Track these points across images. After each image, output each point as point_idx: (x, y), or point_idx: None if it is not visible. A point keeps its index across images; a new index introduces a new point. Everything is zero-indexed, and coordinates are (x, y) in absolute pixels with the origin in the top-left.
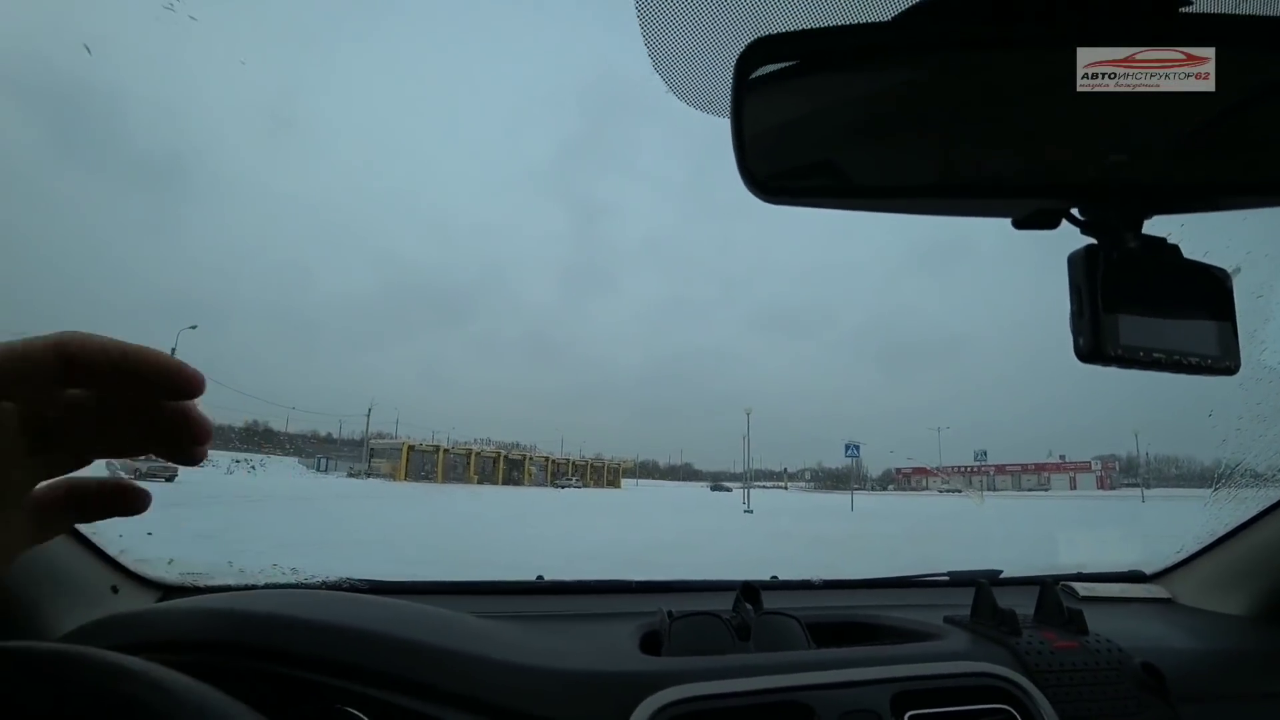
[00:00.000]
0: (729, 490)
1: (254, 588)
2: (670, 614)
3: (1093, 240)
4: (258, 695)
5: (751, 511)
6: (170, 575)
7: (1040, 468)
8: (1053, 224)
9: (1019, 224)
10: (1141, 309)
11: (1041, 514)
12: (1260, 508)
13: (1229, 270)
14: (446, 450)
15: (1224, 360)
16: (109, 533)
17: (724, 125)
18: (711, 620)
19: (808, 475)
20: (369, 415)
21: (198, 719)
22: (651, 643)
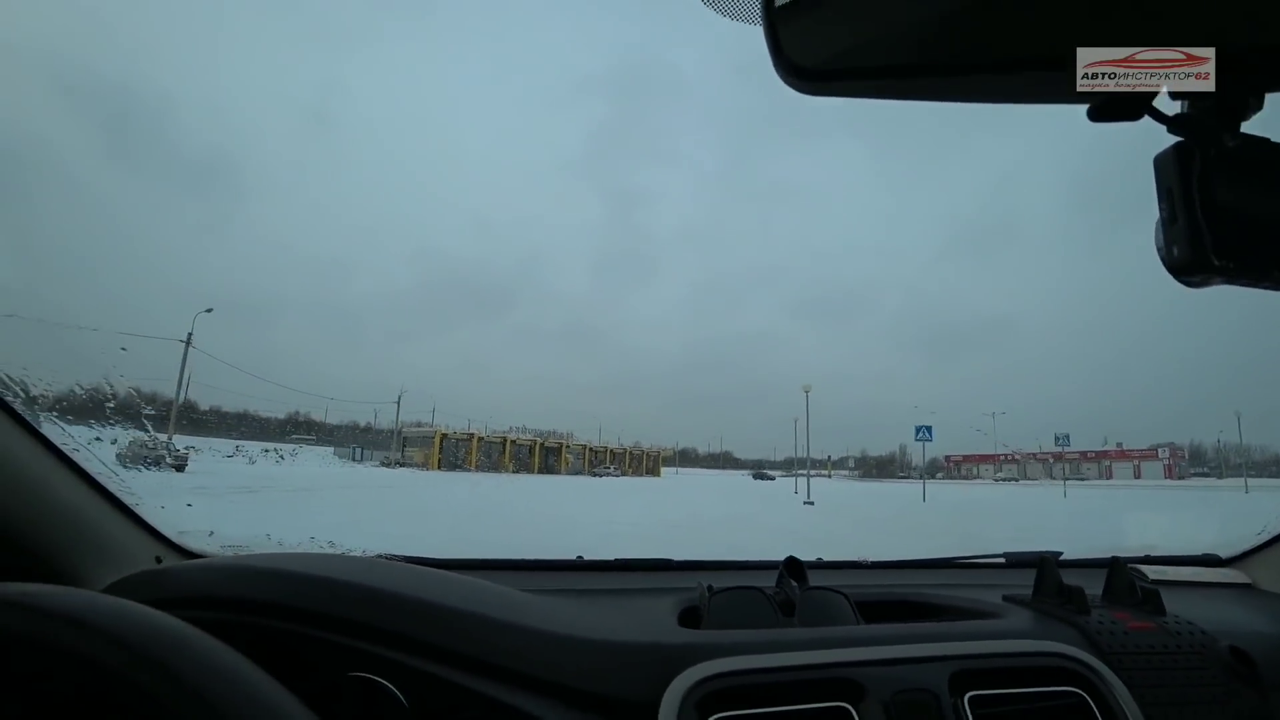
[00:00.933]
0: (772, 478)
1: None
2: (710, 588)
3: (1181, 139)
4: (284, 655)
5: (813, 503)
6: (211, 547)
7: (1102, 455)
8: (1134, 114)
9: (1096, 114)
10: (1247, 215)
11: (1123, 503)
12: None
13: None
14: (481, 438)
15: None
16: (151, 504)
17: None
18: (753, 594)
19: (851, 463)
20: (399, 403)
21: (209, 676)
22: (691, 617)
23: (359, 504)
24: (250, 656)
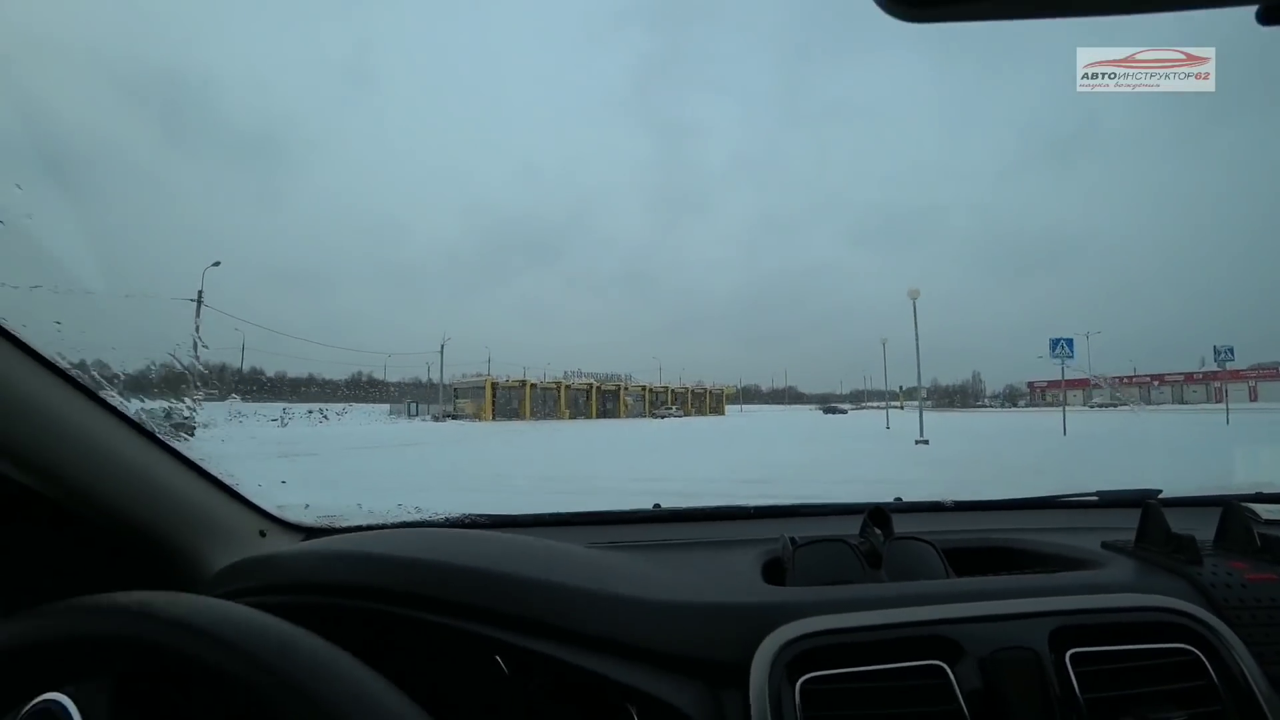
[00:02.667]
0: (844, 412)
1: (385, 526)
2: (794, 540)
3: None
4: (367, 634)
5: (927, 442)
6: (309, 519)
7: (1210, 376)
8: None
9: (1268, 15)
10: None
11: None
12: None
13: None
14: (533, 385)
15: None
16: (249, 483)
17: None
18: (839, 546)
19: (924, 393)
20: (442, 352)
21: (314, 676)
22: (774, 571)
23: (351, 474)
24: (345, 638)
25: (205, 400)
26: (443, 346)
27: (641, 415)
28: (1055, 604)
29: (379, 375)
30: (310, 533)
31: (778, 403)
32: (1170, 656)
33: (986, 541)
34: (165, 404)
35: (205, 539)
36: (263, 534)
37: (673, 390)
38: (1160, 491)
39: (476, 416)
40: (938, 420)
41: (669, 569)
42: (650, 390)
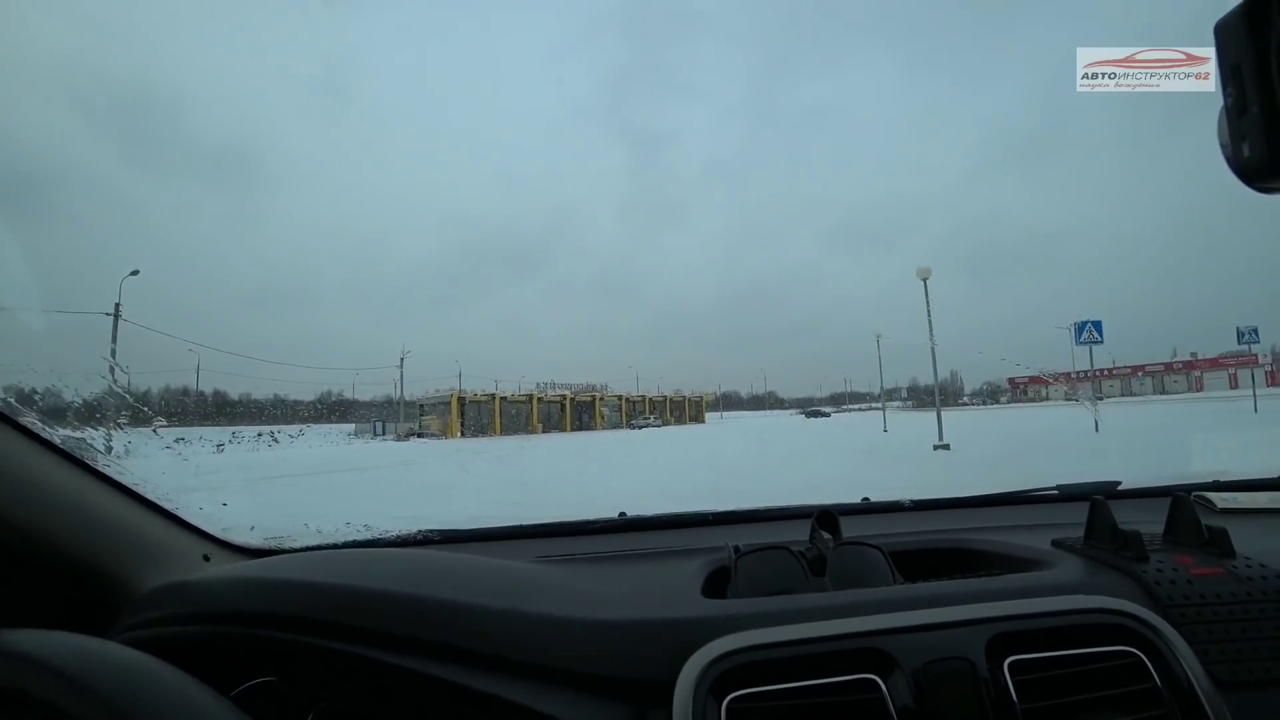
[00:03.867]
0: (827, 415)
1: (333, 546)
2: (737, 549)
3: None
4: (284, 663)
5: (948, 446)
6: (255, 540)
7: (1190, 365)
8: None
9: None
10: None
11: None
12: None
13: None
14: (504, 399)
15: None
16: (190, 507)
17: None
18: (782, 554)
19: (904, 393)
20: (402, 366)
21: (151, 711)
22: (719, 581)
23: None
24: (256, 667)
25: (129, 426)
26: (402, 360)
27: (619, 426)
28: (995, 609)
29: (351, 394)
30: (255, 554)
31: (758, 408)
32: (1113, 660)
33: (936, 543)
34: (76, 432)
35: (145, 565)
36: (206, 558)
37: (650, 399)
38: (1119, 483)
39: (443, 434)
40: (929, 421)
41: (609, 582)
42: (627, 400)
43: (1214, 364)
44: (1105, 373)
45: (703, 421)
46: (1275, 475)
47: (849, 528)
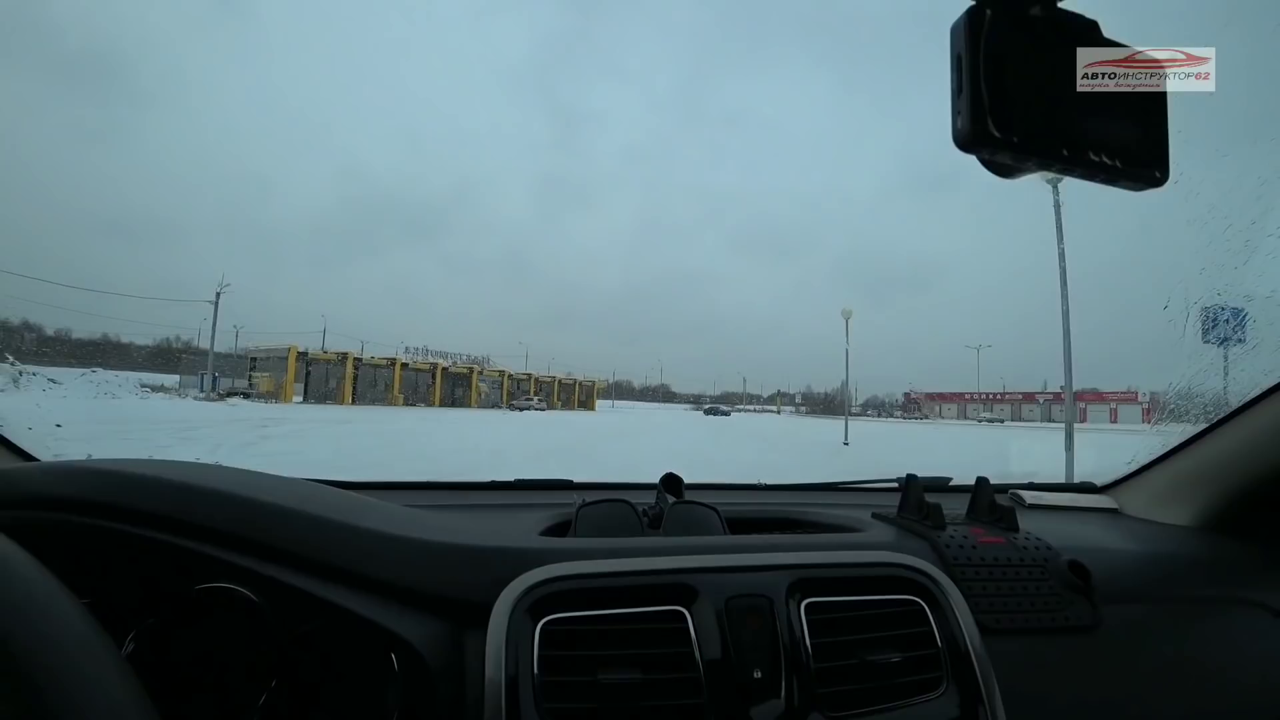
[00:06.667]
0: (727, 414)
1: None
2: (584, 501)
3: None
4: (116, 558)
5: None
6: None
7: (1079, 396)
8: None
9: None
10: (1043, 92)
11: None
12: (1212, 420)
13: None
14: (357, 359)
15: (1149, 168)
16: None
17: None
18: (622, 507)
19: (799, 399)
20: (217, 303)
21: None
22: (563, 529)
23: None
24: (76, 559)
25: None
26: (218, 295)
27: (498, 405)
28: (798, 559)
29: (198, 342)
30: None
31: (650, 400)
32: (900, 607)
33: (770, 513)
34: None
35: None
36: None
37: (537, 379)
38: (950, 479)
39: (274, 396)
40: (842, 427)
41: (457, 522)
42: (510, 377)
43: (1098, 397)
44: (997, 396)
45: (592, 409)
46: (1076, 481)
47: (689, 496)
